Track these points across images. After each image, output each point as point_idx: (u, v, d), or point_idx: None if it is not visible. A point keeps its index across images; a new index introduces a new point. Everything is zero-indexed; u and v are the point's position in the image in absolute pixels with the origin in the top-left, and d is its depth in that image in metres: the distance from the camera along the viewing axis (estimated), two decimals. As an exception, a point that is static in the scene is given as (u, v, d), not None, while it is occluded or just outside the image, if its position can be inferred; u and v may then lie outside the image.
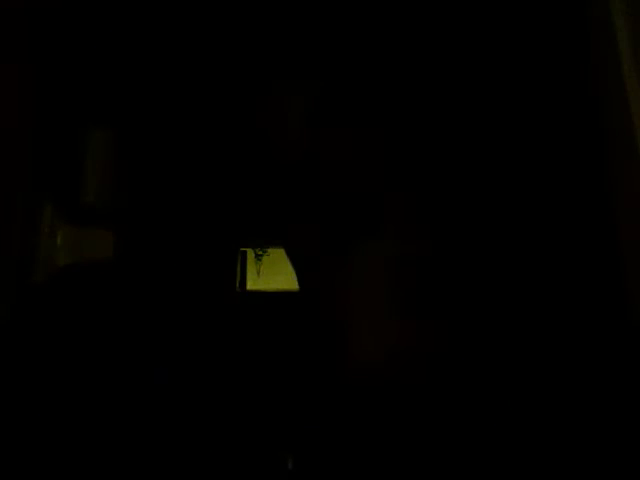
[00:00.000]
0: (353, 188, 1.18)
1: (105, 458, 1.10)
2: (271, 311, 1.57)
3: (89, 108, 1.21)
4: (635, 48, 0.92)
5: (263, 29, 1.29)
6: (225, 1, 1.37)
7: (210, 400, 1.23)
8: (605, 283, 1.13)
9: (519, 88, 1.22)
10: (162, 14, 1.35)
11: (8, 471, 0.97)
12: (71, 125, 1.11)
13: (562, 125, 1.22)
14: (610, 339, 1.14)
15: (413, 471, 1.13)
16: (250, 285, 2.81)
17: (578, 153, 1.19)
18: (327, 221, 1.19)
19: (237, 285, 2.54)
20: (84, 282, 1.10)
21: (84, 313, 1.16)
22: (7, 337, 0.87)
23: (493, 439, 1.14)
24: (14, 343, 0.89)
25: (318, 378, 1.24)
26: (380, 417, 1.14)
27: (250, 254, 2.87)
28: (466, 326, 1.21)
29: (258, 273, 2.85)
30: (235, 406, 1.29)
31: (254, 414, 1.30)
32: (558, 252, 1.21)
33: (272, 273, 2.71)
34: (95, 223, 1.03)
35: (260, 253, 2.86)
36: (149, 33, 1.34)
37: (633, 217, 0.94)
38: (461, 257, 1.19)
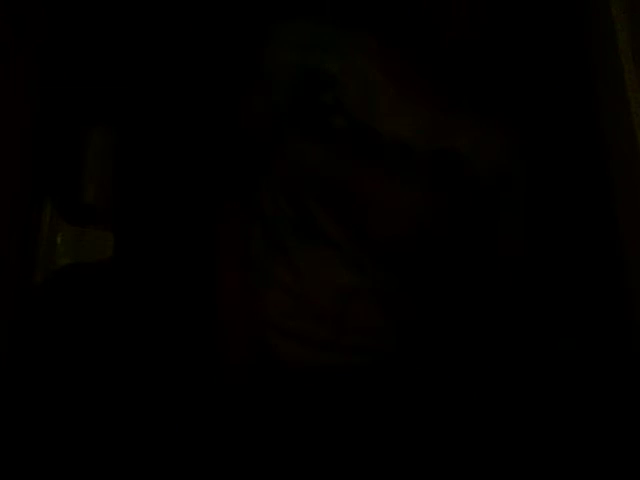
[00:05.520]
0: None
1: (105, 458, 1.10)
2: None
3: (89, 108, 1.21)
4: (635, 48, 0.92)
5: None
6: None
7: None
8: (605, 282, 1.14)
9: (518, 87, 1.22)
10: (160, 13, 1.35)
11: (8, 471, 0.97)
12: (72, 125, 1.11)
13: (561, 125, 1.22)
14: (609, 338, 1.14)
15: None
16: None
17: (578, 153, 1.19)
18: None
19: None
20: (84, 282, 1.10)
21: (84, 313, 1.16)
22: (7, 337, 0.87)
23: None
24: (14, 343, 0.89)
25: None
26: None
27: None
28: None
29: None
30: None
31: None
32: (558, 251, 1.21)
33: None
34: (95, 223, 1.02)
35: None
36: (147, 32, 1.34)
37: (633, 217, 0.94)
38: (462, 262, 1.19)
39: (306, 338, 1.14)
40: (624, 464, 1.06)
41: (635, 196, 0.92)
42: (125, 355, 1.18)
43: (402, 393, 1.15)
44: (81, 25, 1.25)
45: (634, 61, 0.90)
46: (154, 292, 1.24)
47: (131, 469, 1.10)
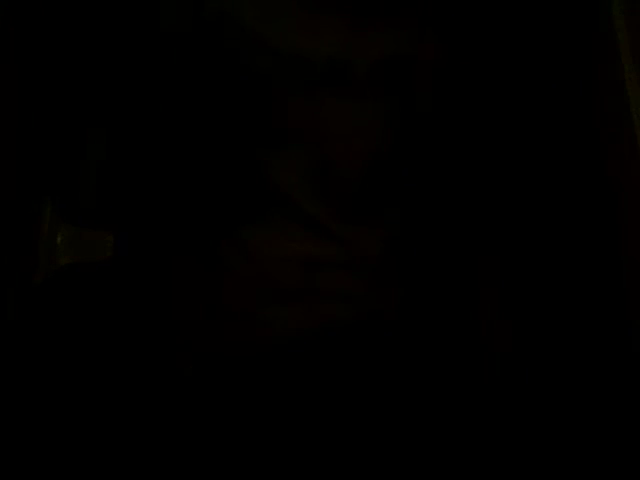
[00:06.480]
0: None
1: (105, 457, 1.11)
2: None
3: (88, 108, 1.21)
4: (635, 48, 0.92)
5: None
6: None
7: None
8: (605, 283, 1.14)
9: (518, 87, 1.22)
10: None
11: (8, 471, 0.97)
12: (71, 125, 1.11)
13: (562, 125, 1.23)
14: (608, 339, 1.14)
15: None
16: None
17: (578, 153, 1.19)
18: None
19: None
20: (84, 282, 1.10)
21: (84, 313, 1.16)
22: (7, 337, 0.87)
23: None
24: (14, 343, 0.89)
25: None
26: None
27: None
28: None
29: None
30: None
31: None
32: (557, 251, 1.21)
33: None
34: (95, 223, 1.03)
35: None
36: (144, 32, 1.34)
37: (633, 217, 0.94)
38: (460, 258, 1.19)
39: (276, 319, 1.11)
40: (624, 464, 1.06)
41: (635, 196, 0.92)
42: (124, 354, 1.18)
43: (387, 361, 1.12)
44: (80, 25, 1.25)
45: (634, 61, 0.90)
46: (153, 292, 1.25)
47: (132, 466, 1.10)
